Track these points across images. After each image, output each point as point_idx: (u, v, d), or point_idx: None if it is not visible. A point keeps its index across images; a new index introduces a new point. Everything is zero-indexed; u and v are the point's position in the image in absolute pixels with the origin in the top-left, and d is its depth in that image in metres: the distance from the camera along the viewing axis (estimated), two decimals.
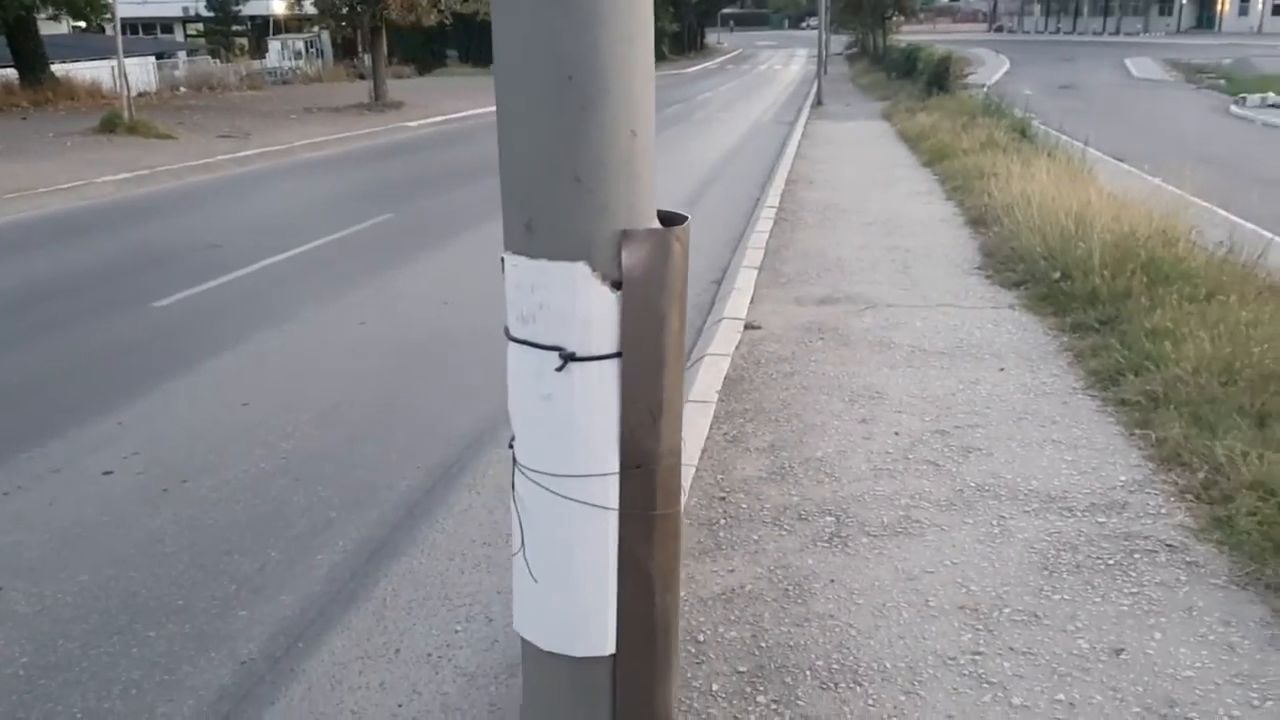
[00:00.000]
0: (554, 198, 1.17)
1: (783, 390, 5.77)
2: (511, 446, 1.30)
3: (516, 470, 1.30)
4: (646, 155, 1.19)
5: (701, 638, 3.39)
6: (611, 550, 1.28)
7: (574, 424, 1.23)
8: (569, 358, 1.20)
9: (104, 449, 5.22)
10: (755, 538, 4.08)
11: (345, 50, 47.32)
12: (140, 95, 24.00)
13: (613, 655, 1.34)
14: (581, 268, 1.18)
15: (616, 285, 1.19)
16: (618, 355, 1.22)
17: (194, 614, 3.75)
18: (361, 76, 36.42)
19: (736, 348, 6.57)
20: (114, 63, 21.16)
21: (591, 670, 1.35)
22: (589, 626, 1.32)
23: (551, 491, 1.26)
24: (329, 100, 27.74)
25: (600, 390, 1.22)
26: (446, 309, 7.96)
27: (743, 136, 22.34)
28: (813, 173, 14.99)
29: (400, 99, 27.97)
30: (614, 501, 1.26)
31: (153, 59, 33.44)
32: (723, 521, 4.22)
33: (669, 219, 1.24)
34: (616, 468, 1.25)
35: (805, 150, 18.06)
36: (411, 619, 3.73)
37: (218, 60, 40.42)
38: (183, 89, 31.37)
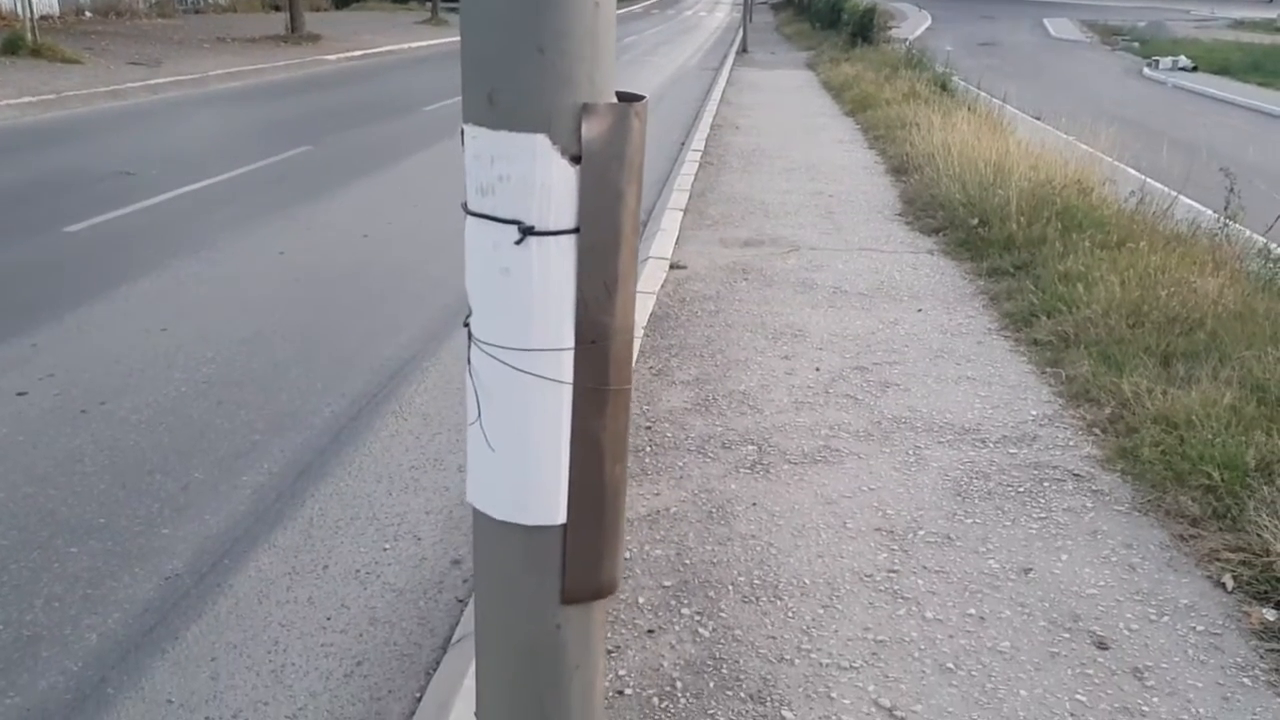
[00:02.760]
0: (516, 68, 1.19)
1: (707, 328, 5.84)
2: (467, 324, 1.33)
3: (472, 345, 1.32)
4: (609, 29, 1.21)
5: (629, 555, 3.46)
6: (565, 422, 1.32)
7: (531, 299, 1.26)
8: (528, 231, 1.22)
9: (17, 370, 5.09)
10: (680, 464, 4.16)
11: None
12: (43, 19, 22.94)
13: (563, 525, 1.38)
14: (542, 140, 1.20)
15: (576, 159, 1.21)
16: (575, 230, 1.25)
17: (116, 532, 3.71)
18: (277, 8, 35.27)
19: (662, 286, 6.62)
20: None
21: (542, 539, 1.40)
22: (541, 496, 1.36)
23: (508, 365, 1.29)
24: (244, 31, 26.86)
25: (558, 265, 1.25)
26: (366, 241, 7.86)
27: (668, 81, 22.24)
28: (738, 118, 15.02)
29: (318, 32, 27.18)
30: (569, 375, 1.30)
31: None
32: (649, 449, 4.29)
33: (626, 98, 1.27)
34: (572, 343, 1.28)
35: (730, 96, 18.07)
36: (339, 538, 3.74)
37: None
38: (88, 14, 30.04)
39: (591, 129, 1.19)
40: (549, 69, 1.17)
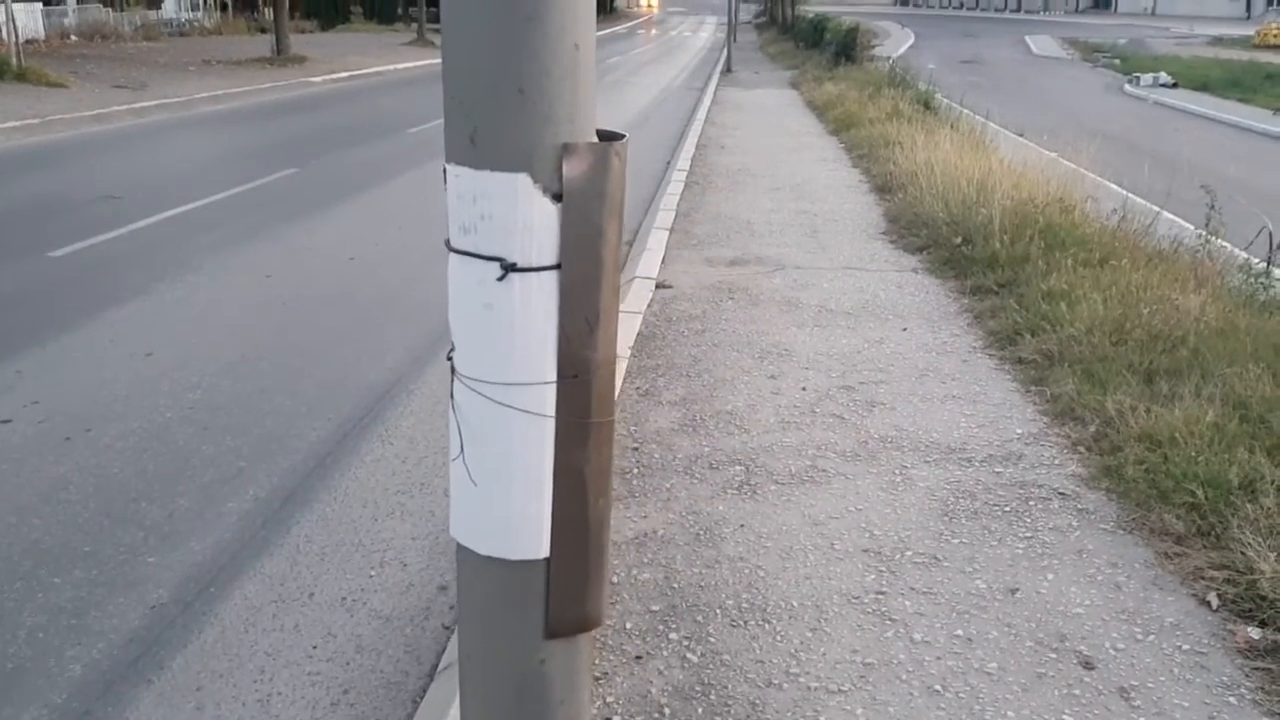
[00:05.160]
0: (498, 109, 1.20)
1: (694, 347, 5.85)
2: (450, 358, 1.34)
3: (455, 379, 1.33)
4: (588, 70, 1.23)
5: (616, 579, 3.46)
6: (548, 456, 1.33)
7: (513, 333, 1.27)
8: (510, 268, 1.23)
9: (1, 397, 5.07)
10: (667, 486, 4.16)
11: (245, 3, 45.84)
12: (28, 43, 22.94)
13: (546, 559, 1.39)
14: (524, 179, 1.22)
15: (557, 197, 1.23)
16: (557, 267, 1.26)
17: (101, 561, 3.69)
18: (262, 30, 35.36)
19: (648, 306, 6.63)
20: None
21: (526, 573, 1.40)
22: (524, 530, 1.36)
23: (491, 399, 1.29)
24: (229, 53, 26.89)
25: (540, 300, 1.26)
26: (352, 264, 7.87)
27: (653, 101, 22.34)
28: (723, 138, 15.09)
29: (303, 54, 27.25)
30: (551, 409, 1.30)
31: (40, 5, 31.91)
32: (636, 471, 4.29)
33: (607, 137, 1.28)
34: (554, 376, 1.29)
35: (715, 116, 18.15)
36: (325, 564, 3.73)
37: (111, 9, 38.80)
38: (73, 38, 30.03)
39: (572, 168, 1.20)
40: (530, 109, 1.19)
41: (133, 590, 3.52)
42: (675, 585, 3.44)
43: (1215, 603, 3.31)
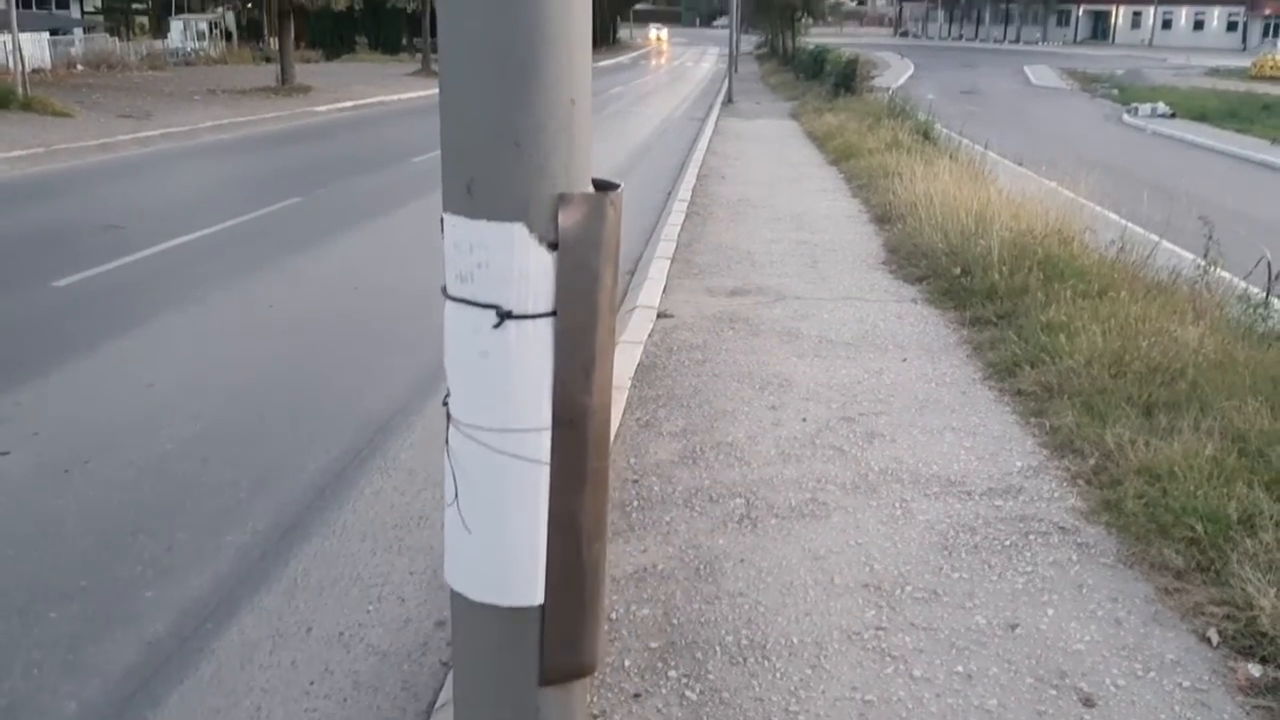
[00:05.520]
0: (494, 161, 1.22)
1: (694, 377, 5.86)
2: (446, 404, 1.34)
3: (451, 425, 1.34)
4: (584, 122, 1.24)
5: (614, 615, 3.45)
6: (543, 502, 1.33)
7: (509, 380, 1.28)
8: (506, 315, 1.24)
9: (2, 429, 5.07)
10: (667, 519, 4.16)
11: (250, 32, 46.19)
12: (35, 72, 23.10)
13: (541, 605, 1.39)
14: (520, 228, 1.23)
15: (553, 246, 1.24)
16: (553, 314, 1.27)
17: (98, 595, 3.68)
18: (268, 59, 35.62)
19: (649, 335, 6.64)
20: (6, 37, 20.35)
21: (520, 620, 1.40)
22: (519, 576, 1.37)
23: (486, 446, 1.30)
24: (234, 82, 27.07)
25: (536, 347, 1.27)
26: (355, 294, 7.89)
27: (655, 131, 22.46)
28: (724, 168, 15.16)
29: (308, 83, 27.43)
30: (546, 455, 1.31)
31: (47, 35, 32.15)
32: (635, 504, 4.29)
33: (602, 186, 1.30)
34: (549, 422, 1.30)
35: (716, 146, 18.24)
36: (323, 599, 3.72)
37: (117, 38, 39.11)
38: (79, 67, 30.23)
39: (568, 218, 1.21)
40: (526, 161, 1.20)
41: (130, 625, 3.51)
42: (674, 621, 3.43)
43: (1216, 639, 3.29)
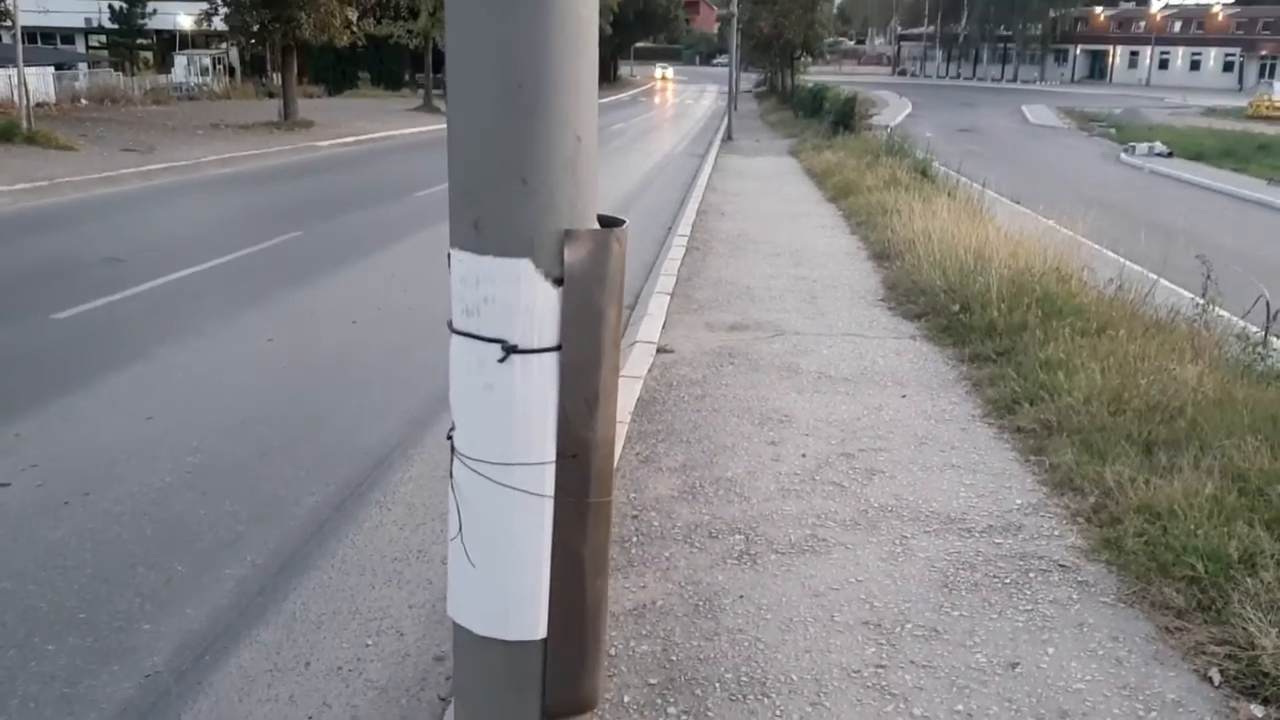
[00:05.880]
0: (501, 198, 1.23)
1: (694, 412, 5.86)
2: (450, 436, 1.35)
3: (455, 459, 1.34)
4: (590, 160, 1.26)
5: (614, 651, 3.43)
6: (546, 536, 1.33)
7: (513, 414, 1.28)
8: (511, 350, 1.25)
9: (1, 460, 5.07)
10: (667, 555, 4.15)
11: (254, 68, 46.54)
12: (39, 106, 23.27)
13: (543, 640, 1.39)
14: (526, 264, 1.24)
15: (558, 282, 1.25)
16: (557, 349, 1.28)
17: (96, 627, 3.67)
18: (270, 95, 35.86)
19: (649, 370, 6.66)
20: (11, 71, 20.50)
21: (523, 654, 1.40)
22: (522, 611, 1.37)
23: (490, 479, 1.30)
24: (237, 117, 27.23)
25: (540, 382, 1.28)
26: (355, 328, 7.91)
27: (656, 167, 22.59)
28: (723, 204, 15.24)
29: (310, 118, 27.60)
30: (550, 489, 1.32)
31: (52, 69, 32.38)
32: (635, 539, 4.28)
33: (607, 223, 1.31)
34: (553, 456, 1.31)
35: (716, 183, 18.34)
36: (322, 633, 3.71)
37: (121, 73, 39.39)
38: (84, 101, 30.45)
39: (573, 253, 1.23)
40: (532, 199, 1.22)
41: (127, 658, 3.50)
42: (674, 658, 3.42)
43: (1217, 679, 3.28)
